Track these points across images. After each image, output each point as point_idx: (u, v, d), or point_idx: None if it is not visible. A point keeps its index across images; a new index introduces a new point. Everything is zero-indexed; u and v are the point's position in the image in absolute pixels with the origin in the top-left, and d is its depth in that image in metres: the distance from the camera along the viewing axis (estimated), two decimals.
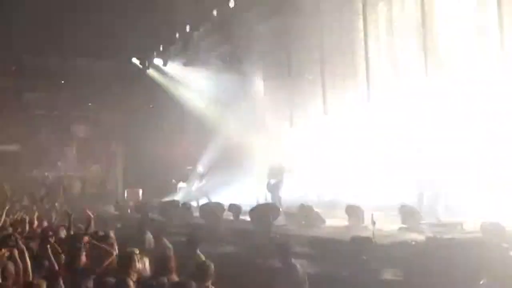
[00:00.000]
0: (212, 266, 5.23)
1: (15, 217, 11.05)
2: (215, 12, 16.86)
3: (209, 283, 4.96)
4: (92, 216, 7.47)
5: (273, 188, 14.57)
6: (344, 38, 15.67)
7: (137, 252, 5.40)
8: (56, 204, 10.35)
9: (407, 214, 9.57)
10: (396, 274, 6.68)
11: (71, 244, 6.21)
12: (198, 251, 6.89)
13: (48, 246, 5.95)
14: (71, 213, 8.06)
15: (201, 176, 17.64)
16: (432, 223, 9.67)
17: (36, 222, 9.61)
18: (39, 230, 8.20)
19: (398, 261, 7.00)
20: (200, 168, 17.79)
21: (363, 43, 14.94)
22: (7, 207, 10.18)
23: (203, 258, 6.66)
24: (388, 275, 6.77)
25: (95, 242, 6.13)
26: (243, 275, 7.39)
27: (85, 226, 7.66)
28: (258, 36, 19.26)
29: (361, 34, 15.00)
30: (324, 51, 16.45)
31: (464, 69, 11.97)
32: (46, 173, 25.07)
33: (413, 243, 7.57)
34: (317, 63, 16.93)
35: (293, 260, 6.09)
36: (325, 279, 6.88)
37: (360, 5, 15.07)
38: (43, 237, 6.48)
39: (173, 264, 5.48)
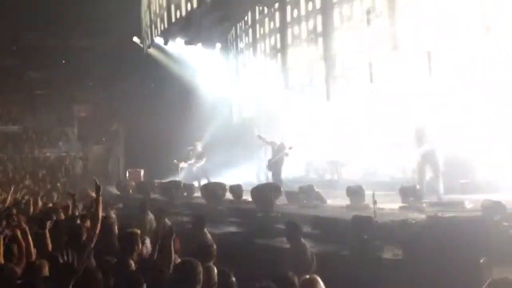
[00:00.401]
0: (214, 245, 5.26)
1: (18, 196, 11.12)
2: None
3: (211, 263, 4.98)
4: (94, 196, 7.47)
5: (273, 166, 14.57)
6: None
7: (139, 232, 5.43)
8: (58, 184, 10.38)
9: (408, 193, 9.58)
10: (397, 253, 6.71)
11: (73, 225, 6.24)
12: (205, 230, 6.95)
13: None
14: (74, 193, 8.11)
15: (201, 156, 17.64)
16: (433, 202, 9.69)
17: (40, 203, 9.66)
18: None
19: (399, 240, 7.03)
20: (199, 148, 17.77)
21: None
22: (12, 188, 10.24)
23: (210, 237, 6.72)
24: (389, 254, 6.80)
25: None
26: (245, 255, 7.43)
27: (87, 206, 7.71)
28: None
29: None
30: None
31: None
32: (47, 153, 25.15)
33: (413, 221, 7.60)
34: None
35: (303, 240, 6.07)
36: (326, 258, 6.91)
37: None
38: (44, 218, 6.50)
39: (176, 244, 5.50)
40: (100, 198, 5.68)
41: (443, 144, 11.78)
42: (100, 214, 5.55)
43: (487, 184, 11.23)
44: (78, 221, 6.51)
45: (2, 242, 4.83)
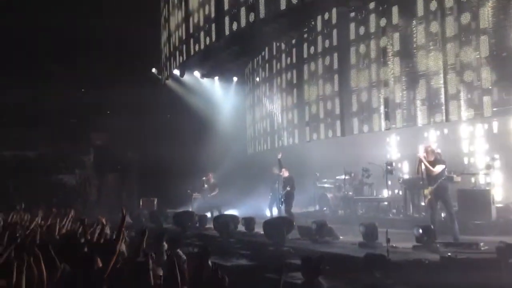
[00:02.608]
0: (226, 278, 5.24)
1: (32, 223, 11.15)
2: (235, 25, 17.00)
3: None
4: (104, 223, 7.52)
5: (284, 200, 14.55)
6: None
7: (150, 262, 5.41)
8: (72, 212, 10.44)
9: (422, 232, 9.49)
10: None
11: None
12: (210, 262, 6.87)
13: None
14: (84, 218, 8.12)
15: (214, 187, 17.70)
16: (447, 242, 9.59)
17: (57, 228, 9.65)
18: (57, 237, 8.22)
19: (411, 280, 6.96)
20: (212, 179, 17.86)
21: None
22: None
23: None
24: None
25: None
26: None
27: (98, 233, 7.73)
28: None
29: None
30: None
31: None
32: (64, 180, 25.36)
33: (427, 262, 7.53)
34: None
35: (320, 279, 5.97)
36: None
37: None
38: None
39: (186, 275, 5.48)
40: (124, 229, 5.59)
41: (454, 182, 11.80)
42: (119, 245, 5.46)
43: (503, 225, 11.12)
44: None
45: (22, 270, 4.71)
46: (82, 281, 4.87)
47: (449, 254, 7.81)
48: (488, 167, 13.15)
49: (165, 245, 8.40)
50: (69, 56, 23.04)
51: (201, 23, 19.07)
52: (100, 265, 5.15)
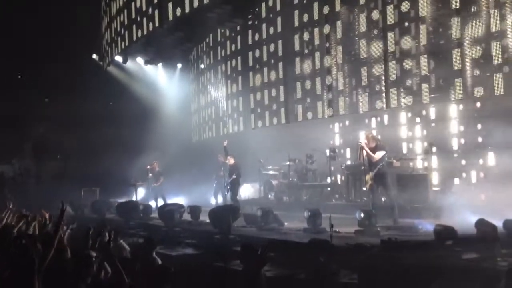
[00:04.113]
0: (172, 269, 5.18)
1: None
2: (178, 10, 16.73)
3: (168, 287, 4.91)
4: (47, 218, 7.28)
5: (230, 188, 14.54)
6: None
7: (94, 255, 5.30)
8: (11, 204, 10.03)
9: (364, 216, 9.71)
10: (352, 277, 6.77)
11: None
12: (154, 254, 6.77)
13: None
14: (28, 214, 7.84)
15: (159, 176, 17.46)
16: (387, 226, 9.88)
17: None
18: None
19: (354, 264, 7.11)
20: (157, 167, 17.60)
21: None
22: None
23: (159, 261, 6.58)
24: (345, 278, 6.86)
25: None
26: (202, 278, 7.36)
27: (39, 227, 7.49)
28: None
29: None
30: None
31: None
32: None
33: (368, 245, 7.71)
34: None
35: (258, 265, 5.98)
36: (283, 281, 6.92)
37: None
38: None
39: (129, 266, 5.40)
40: (62, 223, 5.49)
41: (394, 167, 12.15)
42: (57, 239, 5.34)
43: (440, 209, 11.55)
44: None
45: None
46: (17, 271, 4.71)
47: (389, 237, 8.02)
48: (426, 152, 13.60)
49: (107, 236, 8.21)
50: (8, 42, 22.05)
51: (144, 8, 18.66)
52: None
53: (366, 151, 10.53)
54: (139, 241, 10.00)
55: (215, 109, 21.14)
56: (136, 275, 5.52)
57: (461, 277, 6.26)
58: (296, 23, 16.43)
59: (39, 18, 21.17)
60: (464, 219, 8.80)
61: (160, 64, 23.26)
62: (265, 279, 6.00)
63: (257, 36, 18.21)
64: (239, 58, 19.35)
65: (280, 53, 17.21)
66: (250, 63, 18.60)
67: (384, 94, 13.64)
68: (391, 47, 13.48)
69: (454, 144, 13.35)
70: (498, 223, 7.70)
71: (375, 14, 13.85)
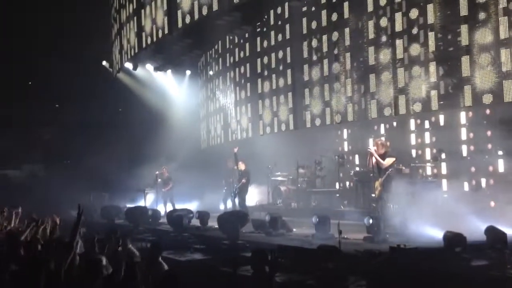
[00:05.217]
0: (178, 275, 5.20)
1: None
2: (188, 18, 16.83)
3: None
4: (57, 222, 7.35)
5: (239, 193, 14.56)
6: None
7: (104, 260, 5.33)
8: (20, 209, 10.12)
9: (373, 223, 9.70)
10: (361, 283, 6.77)
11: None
12: (160, 259, 6.76)
13: None
14: (38, 218, 7.91)
15: (168, 181, 17.53)
16: (397, 233, 9.85)
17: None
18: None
19: (363, 270, 7.11)
20: (166, 173, 17.67)
21: None
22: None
23: (166, 266, 6.59)
24: (353, 284, 6.86)
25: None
26: (210, 283, 7.38)
27: (49, 231, 7.55)
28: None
29: None
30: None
31: None
32: (7, 175, 24.52)
33: (377, 252, 7.70)
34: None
35: (267, 269, 5.98)
36: (291, 287, 6.93)
37: None
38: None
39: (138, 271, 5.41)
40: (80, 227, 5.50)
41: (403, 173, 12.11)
42: (75, 243, 5.34)
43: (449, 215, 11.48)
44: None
45: None
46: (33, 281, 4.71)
47: (398, 244, 8.00)
48: (435, 158, 13.57)
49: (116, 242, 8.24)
50: (18, 49, 22.31)
51: (153, 15, 18.80)
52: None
53: (376, 157, 10.53)
54: (147, 246, 10.05)
55: (224, 116, 21.19)
56: (142, 280, 5.55)
57: (470, 284, 6.25)
58: (305, 30, 16.49)
59: (50, 25, 21.40)
60: (474, 226, 8.76)
61: (169, 71, 23.38)
62: (276, 285, 6.00)
63: (265, 43, 18.28)
64: (247, 64, 19.41)
65: (288, 60, 17.25)
66: (259, 70, 18.66)
67: (392, 101, 13.63)
68: (400, 54, 13.47)
69: (464, 150, 13.31)
70: (508, 230, 7.68)
71: (384, 21, 13.87)
